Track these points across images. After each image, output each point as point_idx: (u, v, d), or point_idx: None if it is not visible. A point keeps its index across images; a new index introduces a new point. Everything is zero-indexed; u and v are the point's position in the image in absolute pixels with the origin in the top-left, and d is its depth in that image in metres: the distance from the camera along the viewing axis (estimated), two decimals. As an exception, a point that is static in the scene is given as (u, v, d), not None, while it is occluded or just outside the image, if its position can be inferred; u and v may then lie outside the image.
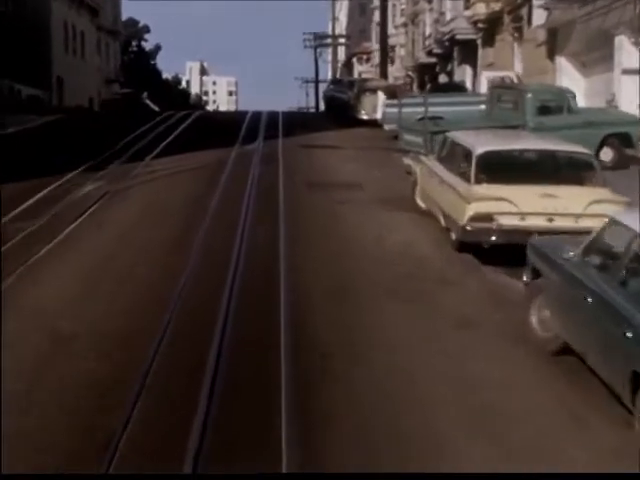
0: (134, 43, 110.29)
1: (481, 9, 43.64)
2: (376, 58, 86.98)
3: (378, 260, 14.30)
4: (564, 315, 9.28)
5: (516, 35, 41.04)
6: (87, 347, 9.87)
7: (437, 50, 54.05)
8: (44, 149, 28.85)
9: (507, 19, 41.19)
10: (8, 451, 7.14)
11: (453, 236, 14.95)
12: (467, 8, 46.74)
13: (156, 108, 56.31)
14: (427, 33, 57.01)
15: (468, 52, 49.32)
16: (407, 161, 22.73)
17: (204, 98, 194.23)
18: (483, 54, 46.48)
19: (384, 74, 46.56)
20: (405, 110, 29.28)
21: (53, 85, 60.72)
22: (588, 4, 29.72)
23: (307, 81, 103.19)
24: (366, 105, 36.42)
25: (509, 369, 9.36)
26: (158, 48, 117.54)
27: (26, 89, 52.24)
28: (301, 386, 8.67)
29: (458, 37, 47.67)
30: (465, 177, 14.98)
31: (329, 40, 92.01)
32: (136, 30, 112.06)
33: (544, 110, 23.65)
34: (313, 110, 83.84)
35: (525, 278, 10.75)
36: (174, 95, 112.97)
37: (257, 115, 41.90)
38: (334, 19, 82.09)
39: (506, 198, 13.97)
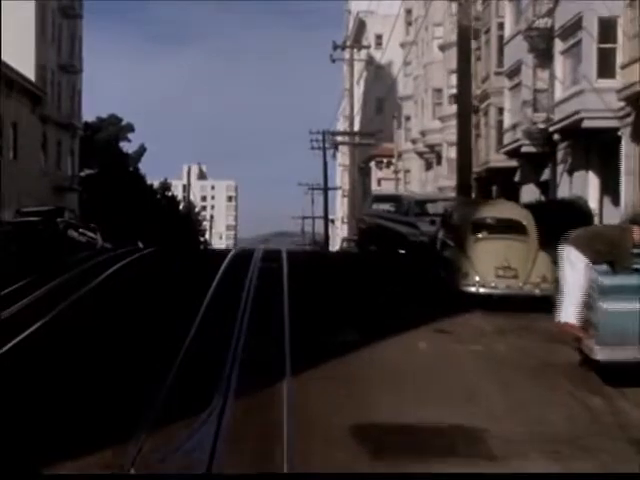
0: (121, 144, 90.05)
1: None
2: (405, 161, 66.60)
3: None
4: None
5: None
6: None
7: (528, 148, 33.03)
8: None
9: None
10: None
11: None
12: (607, 75, 25.95)
13: (95, 237, 34.94)
14: (506, 124, 36.03)
15: (594, 151, 28.48)
16: None
17: (201, 204, 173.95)
18: (633, 152, 25.52)
19: (465, 189, 25.22)
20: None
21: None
22: None
23: (313, 188, 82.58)
24: (485, 263, 15.11)
25: None
26: (143, 149, 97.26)
27: None
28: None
29: (586, 125, 26.72)
30: None
31: (340, 138, 70.84)
32: (118, 129, 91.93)
33: None
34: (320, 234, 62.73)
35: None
36: (159, 204, 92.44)
37: (244, 263, 20.58)
38: (352, 110, 61.38)
39: None
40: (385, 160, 75.00)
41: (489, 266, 15.18)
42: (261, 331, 12.97)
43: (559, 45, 29.47)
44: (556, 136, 29.79)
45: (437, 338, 13.35)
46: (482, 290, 15.12)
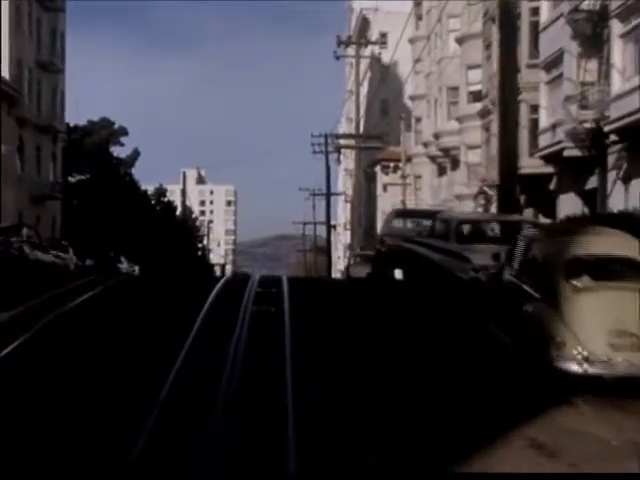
0: (114, 148, 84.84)
1: None
2: (415, 166, 61.18)
3: None
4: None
5: None
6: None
7: (571, 152, 27.74)
8: None
9: None
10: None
11: None
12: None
13: (67, 256, 29.63)
14: (543, 123, 30.71)
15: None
16: None
17: (200, 208, 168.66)
18: None
19: (510, 199, 19.90)
20: None
21: None
22: None
23: (315, 194, 77.17)
24: (591, 327, 9.78)
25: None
26: (137, 154, 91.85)
27: None
28: None
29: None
30: None
31: (343, 141, 65.20)
32: (110, 132, 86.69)
33: None
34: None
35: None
36: (153, 210, 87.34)
37: (233, 305, 15.35)
38: (358, 110, 55.92)
39: None
40: (392, 164, 69.69)
41: (598, 331, 9.85)
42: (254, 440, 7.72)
43: (617, 27, 24.17)
44: (612, 137, 24.52)
45: (535, 464, 8.06)
46: (589, 369, 9.80)
